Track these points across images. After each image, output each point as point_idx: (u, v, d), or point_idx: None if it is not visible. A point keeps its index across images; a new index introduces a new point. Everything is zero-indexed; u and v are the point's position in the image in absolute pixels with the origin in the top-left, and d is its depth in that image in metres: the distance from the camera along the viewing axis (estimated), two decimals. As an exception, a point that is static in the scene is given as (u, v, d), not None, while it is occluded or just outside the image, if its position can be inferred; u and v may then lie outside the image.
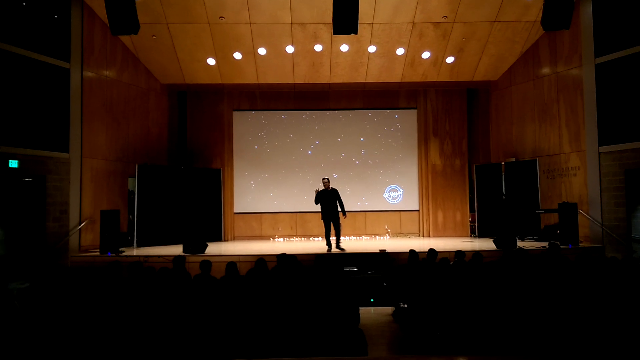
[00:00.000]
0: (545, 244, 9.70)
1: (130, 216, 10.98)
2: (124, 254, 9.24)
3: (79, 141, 9.89)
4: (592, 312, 4.13)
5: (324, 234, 9.76)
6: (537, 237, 10.91)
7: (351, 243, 11.13)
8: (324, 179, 9.77)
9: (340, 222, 9.73)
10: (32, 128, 9.07)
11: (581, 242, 9.86)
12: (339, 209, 9.60)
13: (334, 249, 9.44)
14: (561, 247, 9.28)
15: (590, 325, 3.83)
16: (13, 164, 8.64)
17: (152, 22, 10.34)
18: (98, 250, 9.55)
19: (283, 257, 6.56)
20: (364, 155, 12.85)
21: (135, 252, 9.66)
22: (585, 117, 10.25)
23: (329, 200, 9.59)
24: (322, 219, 9.65)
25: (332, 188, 9.68)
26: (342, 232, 9.93)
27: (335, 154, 12.83)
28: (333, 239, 9.65)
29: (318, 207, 9.72)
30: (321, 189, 9.73)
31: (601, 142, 9.94)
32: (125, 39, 10.87)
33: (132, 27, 7.43)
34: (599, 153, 9.95)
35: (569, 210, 9.75)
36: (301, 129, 12.86)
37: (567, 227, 9.65)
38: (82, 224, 9.85)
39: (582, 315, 4.06)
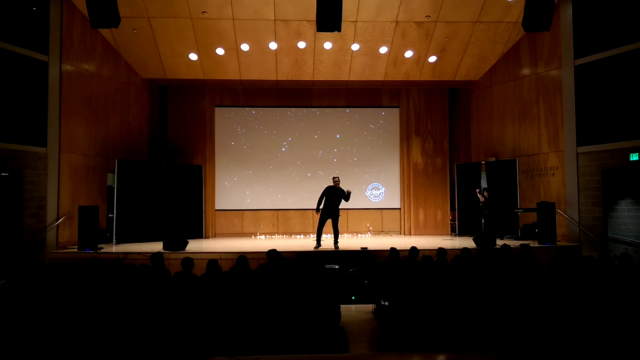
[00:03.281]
0: (526, 242, 9.84)
1: (110, 213, 10.83)
2: (102, 250, 9.12)
3: (57, 135, 9.72)
4: (570, 310, 4.20)
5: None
6: (515, 236, 11.07)
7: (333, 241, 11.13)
8: (334, 177, 9.69)
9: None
10: (9, 122, 8.88)
11: (559, 241, 10.04)
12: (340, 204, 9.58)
13: (324, 247, 9.39)
14: (539, 245, 9.46)
15: (568, 323, 3.90)
16: (-12, 158, 8.47)
17: (133, 15, 10.20)
18: (76, 246, 9.39)
19: (273, 254, 6.52)
20: (347, 153, 12.86)
21: (115, 248, 9.54)
22: (564, 117, 10.42)
23: (334, 197, 9.55)
24: (321, 215, 9.55)
25: (340, 187, 9.59)
26: (324, 229, 9.89)
27: (317, 151, 12.82)
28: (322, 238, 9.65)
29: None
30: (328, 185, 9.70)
31: (579, 143, 10.11)
32: (105, 32, 10.70)
33: (113, 20, 7.31)
34: (577, 153, 10.12)
35: (547, 210, 9.91)
36: (284, 126, 12.81)
37: (545, 226, 9.80)
38: (60, 220, 9.69)
39: (561, 313, 4.13)
